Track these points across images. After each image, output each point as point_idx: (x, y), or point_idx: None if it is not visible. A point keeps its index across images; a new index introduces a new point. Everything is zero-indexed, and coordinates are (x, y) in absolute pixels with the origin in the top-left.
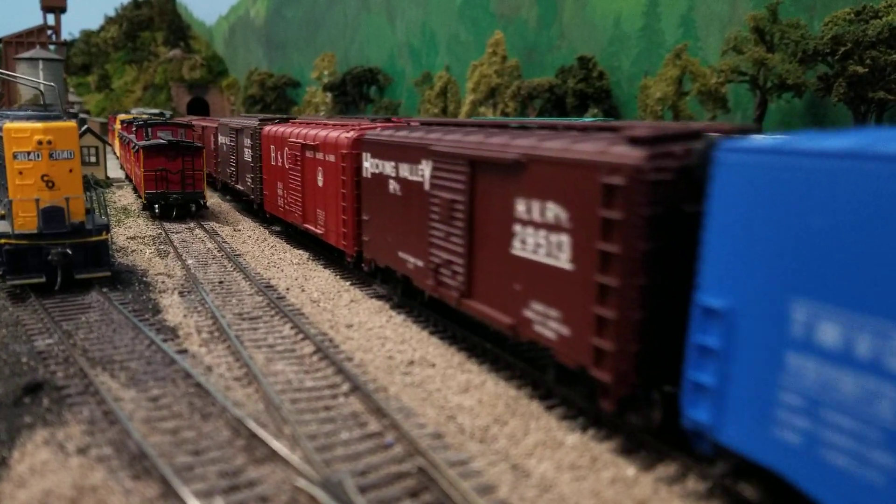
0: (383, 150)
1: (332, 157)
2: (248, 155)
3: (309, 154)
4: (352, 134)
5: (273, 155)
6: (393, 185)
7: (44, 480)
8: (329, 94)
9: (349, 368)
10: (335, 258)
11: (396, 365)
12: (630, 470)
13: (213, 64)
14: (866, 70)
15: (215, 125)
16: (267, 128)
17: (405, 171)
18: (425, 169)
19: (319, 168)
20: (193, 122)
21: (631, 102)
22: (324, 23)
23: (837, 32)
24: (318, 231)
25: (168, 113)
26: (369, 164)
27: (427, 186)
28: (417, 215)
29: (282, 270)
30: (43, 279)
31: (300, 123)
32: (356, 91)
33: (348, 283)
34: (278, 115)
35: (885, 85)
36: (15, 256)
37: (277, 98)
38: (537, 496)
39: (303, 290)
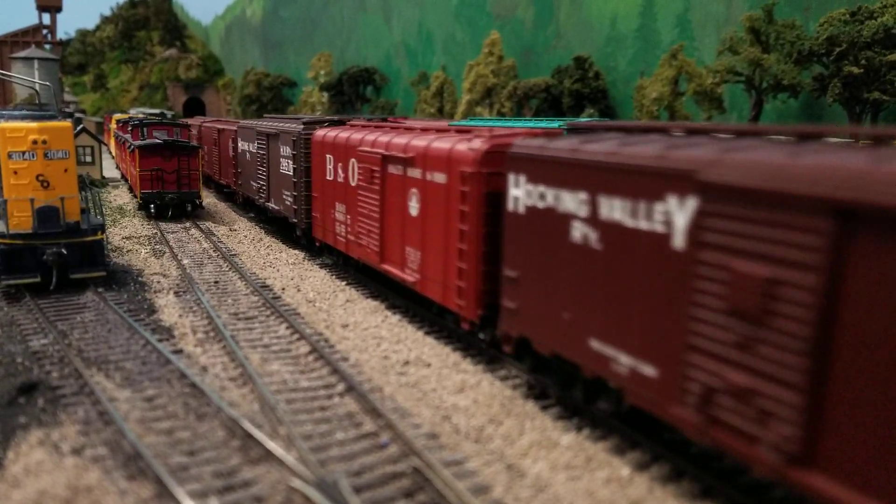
0: (557, 171)
1: (440, 177)
2: (286, 166)
3: (394, 169)
4: (479, 144)
5: (330, 167)
6: (580, 231)
7: (38, 481)
8: (325, 94)
9: (345, 369)
10: (434, 316)
11: (392, 365)
12: (625, 470)
13: (209, 63)
14: (861, 71)
15: (234, 128)
16: (320, 133)
17: (616, 210)
18: (675, 212)
19: (414, 190)
20: (205, 125)
21: (627, 102)
22: (320, 22)
23: (833, 33)
24: (408, 277)
25: (169, 113)
26: (523, 193)
27: (680, 243)
28: (650, 289)
29: (277, 270)
30: (38, 279)
31: (367, 127)
32: (353, 91)
33: (344, 283)
34: (327, 118)
35: (880, 86)
36: (10, 256)
37: (274, 98)
38: (532, 496)
39: (298, 290)
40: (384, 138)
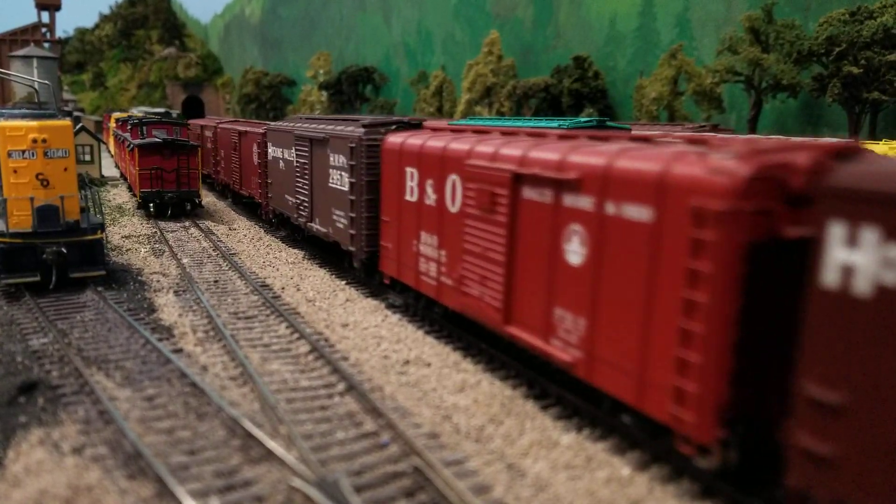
0: None
1: (637, 212)
2: (338, 180)
3: (535, 195)
4: (736, 163)
5: (411, 185)
6: None
7: (39, 480)
8: (324, 93)
9: (345, 368)
10: (602, 411)
11: (392, 364)
12: (625, 470)
13: (208, 62)
14: (861, 71)
15: (261, 131)
16: (395, 139)
17: None
18: None
19: (576, 228)
20: (221, 127)
21: (626, 102)
22: (319, 21)
23: (832, 33)
24: (559, 353)
25: (174, 112)
26: (871, 260)
27: None
28: None
29: (277, 269)
30: (37, 278)
31: (461, 131)
32: (352, 90)
33: (343, 283)
34: (394, 119)
35: (880, 86)
36: (9, 255)
37: (273, 97)
38: (532, 496)
39: (298, 290)
40: (513, 150)
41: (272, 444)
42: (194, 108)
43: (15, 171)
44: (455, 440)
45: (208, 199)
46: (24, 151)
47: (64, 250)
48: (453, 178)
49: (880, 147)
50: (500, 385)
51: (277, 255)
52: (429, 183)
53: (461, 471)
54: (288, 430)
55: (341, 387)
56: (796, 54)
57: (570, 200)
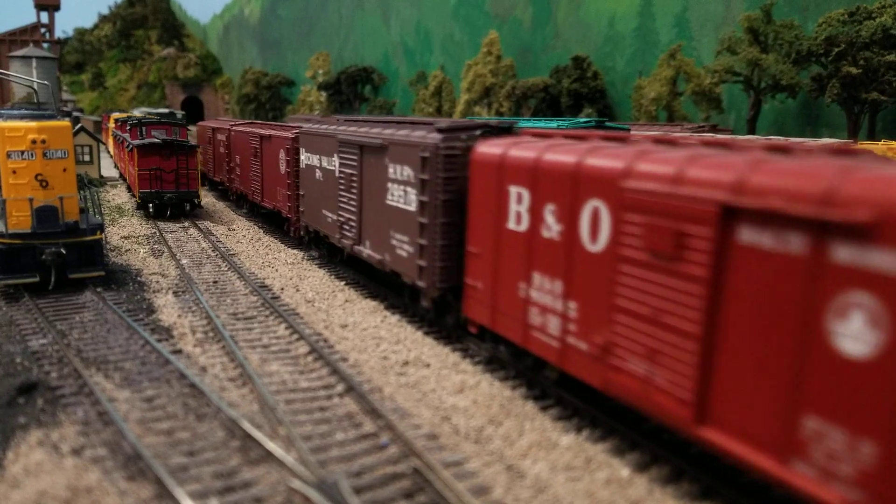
0: None
1: None
2: (400, 197)
3: (771, 241)
4: None
5: (518, 209)
6: None
7: (38, 481)
8: (323, 93)
9: (344, 369)
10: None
11: (391, 365)
12: (624, 471)
13: (207, 62)
14: (860, 71)
15: (289, 135)
16: (492, 149)
17: None
18: None
19: (862, 301)
20: (237, 129)
21: (625, 102)
22: (318, 22)
23: (831, 33)
24: (824, 495)
25: (179, 113)
26: None
27: None
28: None
29: (276, 270)
30: (36, 279)
31: (580, 139)
32: (351, 90)
33: (343, 283)
34: (479, 122)
35: (879, 86)
36: (8, 256)
37: (272, 97)
38: (532, 497)
39: (297, 290)
40: (716, 171)
41: (271, 446)
42: (193, 108)
43: (14, 172)
44: (454, 441)
45: (207, 199)
46: (23, 152)
47: (63, 251)
48: (595, 205)
49: (879, 148)
50: (500, 386)
51: (276, 255)
52: (549, 209)
53: (460, 472)
54: (287, 431)
55: (340, 388)
56: (795, 54)
57: (847, 255)
